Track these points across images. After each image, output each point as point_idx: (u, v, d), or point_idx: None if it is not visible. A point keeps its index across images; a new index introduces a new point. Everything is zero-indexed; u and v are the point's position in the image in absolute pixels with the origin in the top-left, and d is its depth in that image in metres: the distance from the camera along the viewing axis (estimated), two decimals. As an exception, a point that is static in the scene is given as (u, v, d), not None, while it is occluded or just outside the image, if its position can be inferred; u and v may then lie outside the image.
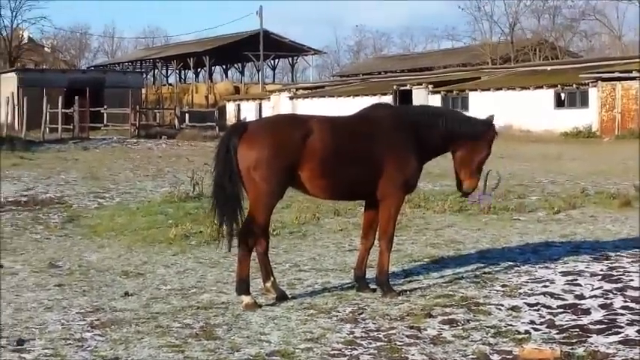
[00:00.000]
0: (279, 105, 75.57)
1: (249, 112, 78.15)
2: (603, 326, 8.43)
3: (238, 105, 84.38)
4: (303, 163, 9.56)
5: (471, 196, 11.31)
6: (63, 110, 54.81)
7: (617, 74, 50.80)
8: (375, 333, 8.42)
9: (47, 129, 52.72)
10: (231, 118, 77.50)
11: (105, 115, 60.35)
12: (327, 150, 9.63)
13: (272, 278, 10.03)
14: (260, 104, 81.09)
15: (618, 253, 12.24)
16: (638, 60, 54.32)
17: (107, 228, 16.06)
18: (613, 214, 16.63)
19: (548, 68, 63.09)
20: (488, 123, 10.62)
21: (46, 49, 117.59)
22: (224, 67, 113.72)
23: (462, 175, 10.52)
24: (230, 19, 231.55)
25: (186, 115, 63.66)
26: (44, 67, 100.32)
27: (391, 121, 10.17)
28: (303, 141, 9.55)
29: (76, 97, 55.82)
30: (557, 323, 8.64)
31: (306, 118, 10.08)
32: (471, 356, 7.59)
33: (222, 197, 9.70)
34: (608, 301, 9.40)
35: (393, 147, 9.96)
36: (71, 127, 54.02)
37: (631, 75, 49.82)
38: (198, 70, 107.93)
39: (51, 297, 10.31)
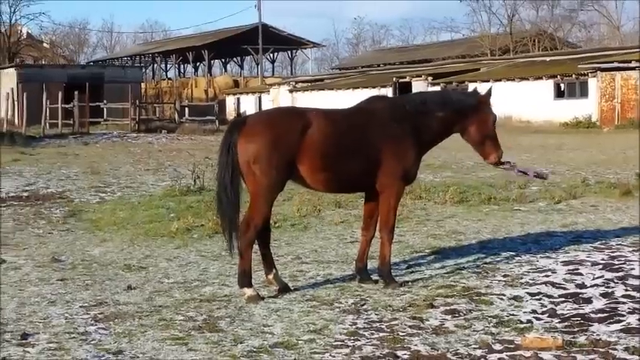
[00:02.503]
0: (279, 98, 75.53)
1: (248, 105, 78.16)
2: (605, 315, 8.46)
3: (238, 99, 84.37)
4: (302, 156, 9.57)
5: (509, 167, 10.94)
6: (63, 105, 54.80)
7: (616, 64, 50.78)
8: (378, 324, 8.45)
9: (47, 124, 52.75)
10: (230, 112, 77.60)
11: (105, 109, 60.34)
12: (326, 143, 9.64)
13: (274, 270, 10.06)
14: (259, 98, 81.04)
15: (619, 242, 12.27)
16: (637, 50, 54.37)
17: (109, 222, 16.08)
18: (614, 203, 16.65)
19: (547, 59, 63.08)
20: (475, 93, 10.72)
21: (44, 44, 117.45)
22: (223, 60, 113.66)
23: (486, 151, 10.50)
24: (229, 12, 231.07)
25: (186, 109, 63.71)
26: (43, 62, 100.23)
27: (388, 112, 10.18)
28: (301, 134, 9.56)
29: (76, 92, 55.81)
30: (558, 312, 8.67)
31: (304, 111, 10.10)
32: (473, 346, 7.61)
33: (225, 197, 9.72)
34: (610, 290, 9.42)
35: (391, 138, 9.97)
36: (71, 122, 54.06)
37: (630, 65, 49.81)
38: (198, 64, 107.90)
39: (54, 291, 10.33)
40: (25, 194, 20.62)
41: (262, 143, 9.49)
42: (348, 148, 9.79)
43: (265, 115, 11.26)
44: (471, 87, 58.05)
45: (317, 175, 9.77)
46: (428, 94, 12.04)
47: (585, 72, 52.17)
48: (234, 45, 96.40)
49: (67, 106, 55.31)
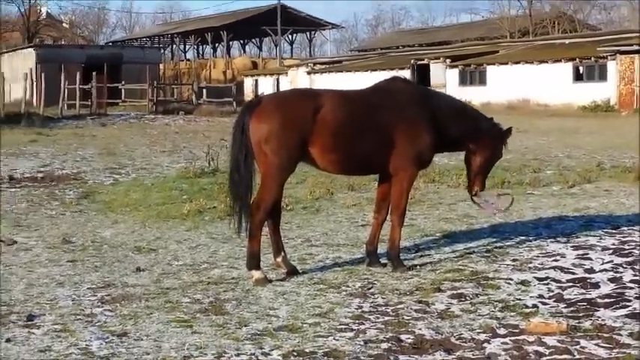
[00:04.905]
0: (297, 80, 75.48)
1: (266, 87, 78.15)
2: (611, 300, 8.42)
3: (256, 80, 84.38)
4: (314, 137, 9.53)
5: (485, 204, 11.06)
6: (81, 86, 54.86)
7: (635, 47, 50.44)
8: (384, 307, 8.44)
9: (65, 105, 52.80)
10: (248, 94, 77.55)
11: (122, 90, 60.49)
12: (338, 124, 9.59)
13: (283, 253, 10.03)
14: (278, 79, 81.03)
15: (631, 227, 12.21)
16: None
17: (122, 204, 16.11)
18: (628, 187, 16.56)
19: (567, 42, 62.70)
20: (500, 125, 10.62)
21: (64, 24, 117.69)
22: (242, 42, 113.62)
23: (479, 180, 10.61)
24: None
25: (204, 91, 63.83)
26: (62, 42, 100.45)
27: (407, 94, 10.14)
28: (313, 115, 9.52)
29: (94, 73, 55.96)
30: (565, 297, 8.65)
31: (318, 92, 10.07)
32: (477, 330, 7.59)
33: (237, 177, 9.73)
34: (618, 275, 9.39)
35: (406, 120, 9.88)
36: (89, 103, 54.14)
37: (650, 48, 49.54)
38: (216, 45, 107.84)
39: (63, 273, 10.35)
40: (40, 175, 20.69)
41: (273, 123, 9.48)
42: (361, 128, 9.72)
43: (278, 96, 11.28)
44: (489, 69, 57.88)
45: (328, 156, 9.72)
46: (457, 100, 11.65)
47: (604, 55, 51.85)
48: (252, 26, 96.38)
49: (85, 86, 55.40)
